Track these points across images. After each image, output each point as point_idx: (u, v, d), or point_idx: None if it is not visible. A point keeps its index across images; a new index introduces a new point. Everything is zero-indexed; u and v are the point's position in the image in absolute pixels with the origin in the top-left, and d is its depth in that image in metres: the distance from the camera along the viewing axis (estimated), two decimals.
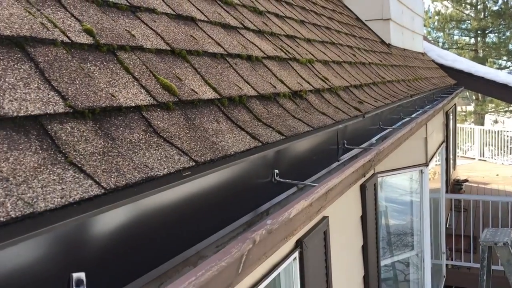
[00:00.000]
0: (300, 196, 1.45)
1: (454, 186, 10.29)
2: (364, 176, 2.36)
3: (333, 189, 1.72)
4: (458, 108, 18.02)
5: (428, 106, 5.19)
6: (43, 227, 0.80)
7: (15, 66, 1.06)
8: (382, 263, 4.42)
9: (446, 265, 7.26)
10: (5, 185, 0.81)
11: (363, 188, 3.67)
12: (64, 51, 1.22)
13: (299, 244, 2.46)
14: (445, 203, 7.45)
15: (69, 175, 0.92)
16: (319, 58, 2.96)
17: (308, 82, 2.40)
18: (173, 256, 1.19)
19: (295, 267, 2.50)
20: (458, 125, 14.58)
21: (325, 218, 2.80)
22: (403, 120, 3.78)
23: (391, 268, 5.39)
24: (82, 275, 0.92)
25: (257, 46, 2.31)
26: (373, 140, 3.02)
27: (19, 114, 0.95)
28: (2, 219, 0.74)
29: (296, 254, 2.45)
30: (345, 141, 2.45)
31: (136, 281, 1.07)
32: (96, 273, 0.96)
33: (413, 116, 4.03)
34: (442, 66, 9.45)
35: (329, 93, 2.52)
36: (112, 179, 0.97)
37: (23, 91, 1.01)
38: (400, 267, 5.53)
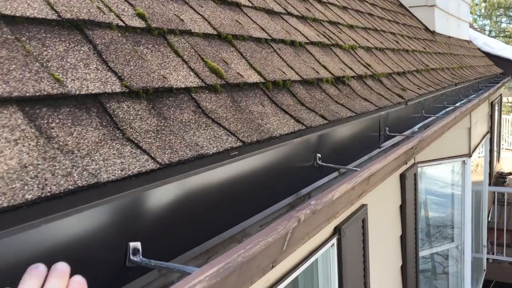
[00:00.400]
0: (344, 179, 1.47)
1: (498, 179, 9.95)
2: (406, 164, 2.34)
3: (375, 174, 1.72)
4: (504, 99, 17.29)
5: (472, 95, 5.03)
6: (105, 197, 0.85)
7: (76, 47, 1.12)
8: (421, 254, 4.36)
9: (487, 259, 7.07)
10: (71, 157, 0.86)
11: (403, 177, 3.62)
12: (119, 34, 1.27)
13: (337, 230, 2.47)
14: (487, 196, 7.22)
15: (127, 150, 0.97)
16: (361, 44, 2.93)
17: (351, 68, 2.39)
18: (220, 233, 1.24)
19: (333, 253, 2.52)
20: (503, 116, 14.01)
21: (363, 206, 2.79)
22: (447, 109, 3.69)
23: (429, 260, 5.31)
24: (138, 244, 0.98)
25: (300, 32, 2.32)
26: (415, 128, 2.97)
27: (81, 93, 1.01)
28: (70, 187, 0.79)
29: (334, 240, 2.46)
30: (387, 128, 2.43)
31: (186, 254, 1.12)
32: (150, 244, 1.01)
33: (457, 105, 3.92)
34: (488, 55, 9.09)
35: (371, 79, 2.50)
36: (166, 155, 1.02)
37: (84, 71, 1.07)
38: (439, 259, 5.43)
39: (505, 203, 7.56)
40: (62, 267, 0.68)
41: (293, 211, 1.18)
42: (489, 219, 7.52)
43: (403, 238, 3.78)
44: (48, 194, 0.75)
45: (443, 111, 3.61)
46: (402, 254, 3.79)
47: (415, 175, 3.95)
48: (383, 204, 3.23)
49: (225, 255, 0.92)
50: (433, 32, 6.08)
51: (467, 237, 5.21)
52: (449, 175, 5.36)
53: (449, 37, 6.96)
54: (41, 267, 0.66)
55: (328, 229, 2.37)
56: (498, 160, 10.89)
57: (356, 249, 2.83)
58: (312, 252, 2.17)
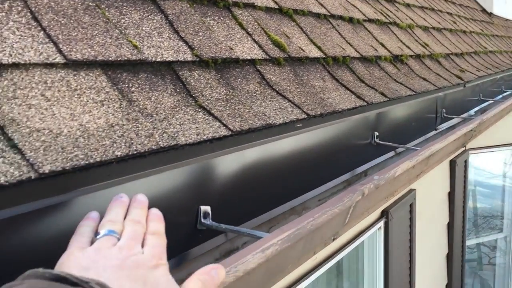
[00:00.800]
0: (405, 156, 1.45)
1: None
2: (464, 147, 2.28)
3: (434, 155, 1.68)
4: None
5: None
6: (183, 159, 0.88)
7: (149, 16, 1.15)
8: (467, 243, 4.24)
9: None
10: (151, 120, 0.90)
11: (453, 163, 3.51)
12: (187, 5, 1.29)
13: (385, 214, 2.44)
14: None
15: (200, 116, 1.00)
16: (418, 23, 2.84)
17: (409, 47, 2.32)
18: (280, 204, 1.25)
19: (379, 236, 2.50)
20: None
21: (412, 190, 2.74)
22: (504, 93, 3.53)
23: (475, 250, 5.17)
24: (208, 208, 1.01)
25: (357, 9, 2.27)
26: (472, 112, 2.87)
27: (156, 60, 1.04)
28: (153, 147, 0.83)
29: (381, 223, 2.44)
30: (444, 110, 2.36)
31: (249, 222, 1.15)
32: (218, 209, 1.04)
33: None
34: None
35: (429, 59, 2.43)
36: (237, 123, 1.03)
37: (158, 39, 1.10)
38: (485, 250, 5.28)
39: None
40: (142, 198, 0.72)
41: (357, 185, 1.17)
42: None
43: (450, 226, 3.69)
44: (135, 152, 0.79)
45: (501, 96, 3.46)
46: (448, 242, 3.71)
47: (465, 162, 3.83)
48: (431, 190, 3.17)
49: (295, 222, 0.93)
50: (490, 14, 5.81)
51: None
52: (500, 164, 5.16)
53: (507, 19, 6.62)
54: (124, 197, 0.70)
55: (376, 211, 2.35)
56: None
57: (403, 234, 2.79)
58: (359, 233, 2.16)
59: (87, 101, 0.83)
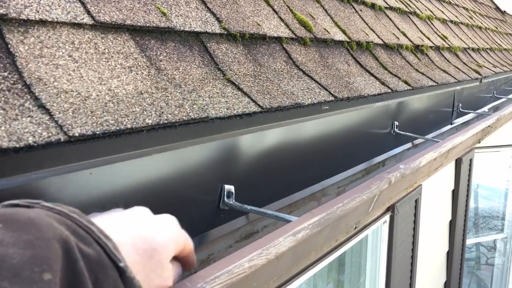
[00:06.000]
0: (429, 148, 1.40)
1: None
2: (479, 142, 2.23)
3: (454, 148, 1.64)
4: None
5: None
6: (214, 134, 0.83)
7: None
8: (467, 242, 4.22)
9: None
10: (179, 90, 0.85)
11: (458, 161, 3.48)
12: None
13: (390, 208, 2.41)
14: None
15: (228, 90, 0.94)
16: (437, 15, 2.78)
17: (428, 38, 2.27)
18: (302, 188, 1.21)
19: (384, 230, 2.47)
20: None
21: (419, 186, 2.70)
22: None
23: (473, 249, 5.16)
24: (232, 188, 0.96)
25: None
26: (485, 108, 2.82)
27: (184, 29, 0.98)
28: (184, 117, 0.78)
29: (387, 217, 2.40)
30: (460, 105, 2.31)
31: (271, 205, 1.10)
32: (239, 189, 0.99)
33: None
34: None
35: (448, 52, 2.37)
36: (266, 100, 0.98)
37: (185, 8, 1.04)
38: (483, 250, 5.28)
39: None
40: None
41: (384, 173, 1.13)
42: None
43: (452, 224, 3.67)
44: (166, 121, 0.74)
45: None
46: (449, 240, 3.69)
47: (471, 160, 3.80)
48: (436, 186, 3.14)
49: (325, 206, 0.89)
50: (503, 12, 5.74)
51: None
52: (505, 164, 5.14)
53: None
54: None
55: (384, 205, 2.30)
56: None
57: (407, 229, 2.76)
58: (364, 226, 2.13)
59: (115, 66, 0.78)
